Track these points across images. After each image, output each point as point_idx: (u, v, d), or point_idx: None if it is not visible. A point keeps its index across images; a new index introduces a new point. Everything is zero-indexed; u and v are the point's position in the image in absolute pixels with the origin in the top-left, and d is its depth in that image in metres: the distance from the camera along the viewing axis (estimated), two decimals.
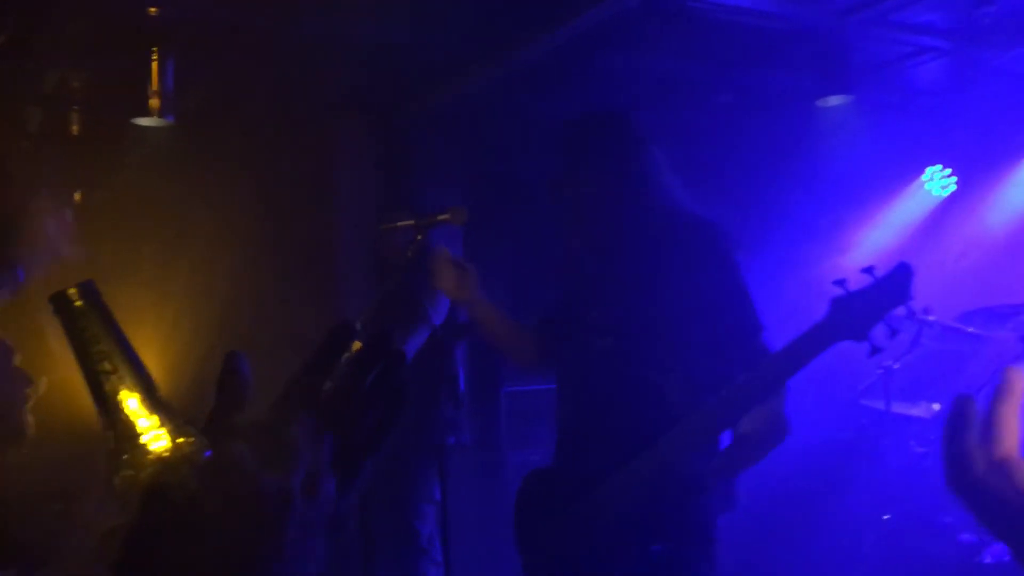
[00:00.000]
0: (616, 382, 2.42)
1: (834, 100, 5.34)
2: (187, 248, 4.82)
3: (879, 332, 2.12)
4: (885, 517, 4.71)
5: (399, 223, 3.07)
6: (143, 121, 4.67)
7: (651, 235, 2.45)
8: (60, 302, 0.83)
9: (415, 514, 4.21)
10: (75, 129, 5.29)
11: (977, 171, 6.05)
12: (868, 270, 2.14)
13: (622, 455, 2.30)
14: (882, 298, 2.11)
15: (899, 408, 4.82)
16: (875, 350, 2.12)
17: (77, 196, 5.15)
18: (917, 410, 4.84)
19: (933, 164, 6.30)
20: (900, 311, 2.11)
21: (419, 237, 3.08)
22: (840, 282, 2.15)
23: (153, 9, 4.35)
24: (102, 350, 0.83)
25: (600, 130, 2.57)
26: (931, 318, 4.75)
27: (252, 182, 4.93)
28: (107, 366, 0.83)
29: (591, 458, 2.41)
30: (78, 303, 0.84)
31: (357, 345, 2.68)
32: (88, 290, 0.85)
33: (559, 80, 5.37)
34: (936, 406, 4.80)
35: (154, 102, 4.55)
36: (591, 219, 2.50)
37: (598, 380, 2.46)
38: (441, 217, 3.14)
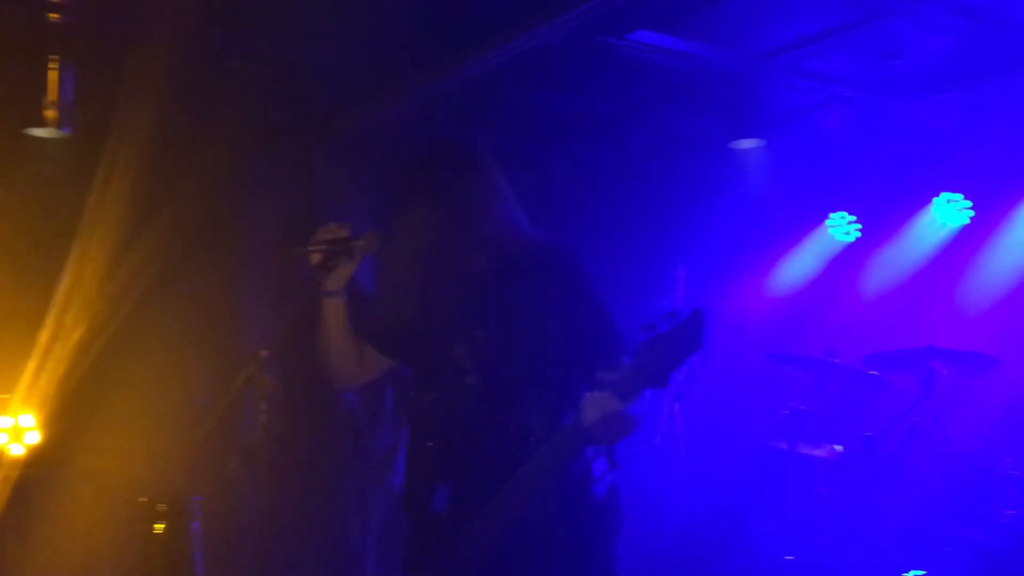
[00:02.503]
0: (481, 419, 2.33)
1: (747, 143, 5.43)
2: (79, 265, 4.60)
3: (680, 378, 2.04)
4: (788, 557, 4.73)
5: (310, 248, 2.95)
6: (38, 132, 4.44)
7: (502, 265, 2.37)
8: None
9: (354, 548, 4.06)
10: None
11: (880, 218, 6.21)
12: (671, 315, 2.08)
13: (485, 493, 2.23)
14: (677, 346, 2.04)
15: (803, 449, 4.87)
16: (677, 397, 2.07)
17: None
18: (820, 451, 4.89)
19: (839, 210, 6.45)
20: (694, 359, 2.04)
21: (330, 264, 2.97)
22: (649, 326, 2.07)
23: (54, 16, 4.14)
24: None
25: (440, 158, 2.49)
26: (836, 360, 4.83)
27: (152, 200, 4.73)
28: None
29: (456, 502, 2.32)
30: None
31: (266, 381, 2.49)
32: None
33: (475, 111, 5.32)
34: (839, 447, 4.85)
35: (50, 112, 4.34)
36: (438, 252, 2.38)
37: (465, 419, 2.36)
38: (354, 243, 3.04)
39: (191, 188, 4.90)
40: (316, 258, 2.56)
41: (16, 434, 4.44)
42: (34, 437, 4.47)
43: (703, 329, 2.03)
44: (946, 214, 5.90)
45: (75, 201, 4.68)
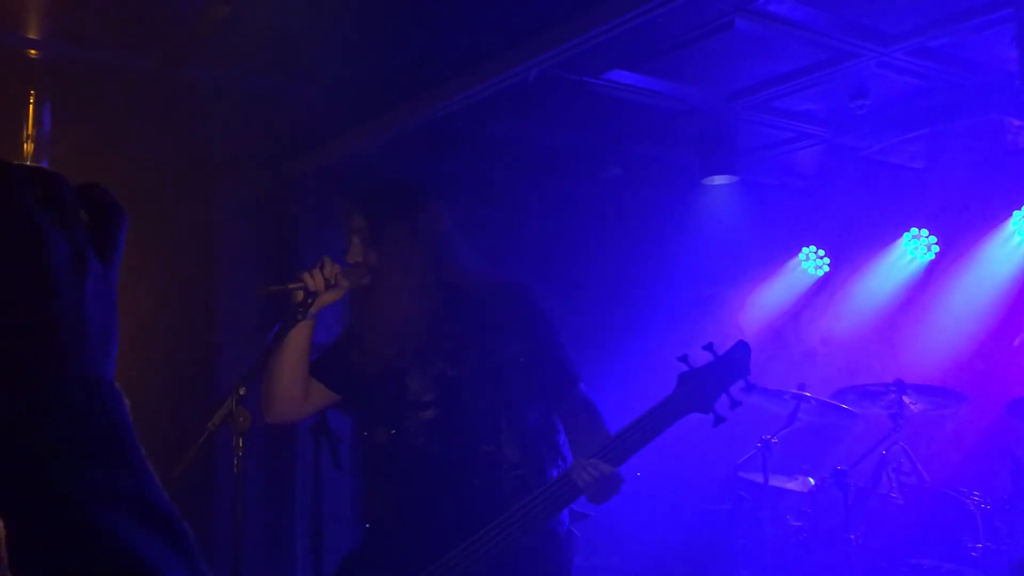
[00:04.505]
0: (445, 452, 2.40)
1: (719, 179, 5.51)
2: None
3: (722, 404, 2.27)
4: None
5: (289, 285, 2.97)
6: None
7: (459, 302, 2.46)
8: None
9: None
10: None
11: (848, 253, 6.32)
12: (708, 347, 2.30)
13: (458, 525, 2.30)
14: (723, 373, 2.28)
15: (776, 481, 4.91)
16: (719, 420, 2.26)
17: None
18: (793, 484, 4.94)
19: (809, 244, 6.55)
20: (739, 385, 2.29)
21: (308, 301, 2.98)
22: (683, 358, 2.30)
23: (33, 52, 4.16)
24: None
25: (391, 199, 2.55)
26: (808, 394, 4.89)
27: (129, 235, 4.72)
28: None
29: (419, 534, 2.37)
30: None
31: (243, 417, 2.41)
32: None
33: (450, 144, 5.38)
34: (811, 480, 4.90)
35: (28, 146, 4.33)
36: (394, 294, 2.45)
37: (425, 453, 2.41)
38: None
39: (166, 223, 4.90)
40: (299, 295, 2.58)
41: None
42: None
43: (748, 358, 2.29)
44: (914, 249, 6.02)
45: None
